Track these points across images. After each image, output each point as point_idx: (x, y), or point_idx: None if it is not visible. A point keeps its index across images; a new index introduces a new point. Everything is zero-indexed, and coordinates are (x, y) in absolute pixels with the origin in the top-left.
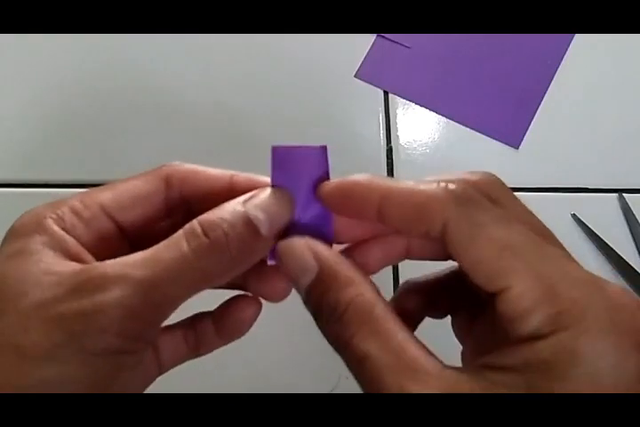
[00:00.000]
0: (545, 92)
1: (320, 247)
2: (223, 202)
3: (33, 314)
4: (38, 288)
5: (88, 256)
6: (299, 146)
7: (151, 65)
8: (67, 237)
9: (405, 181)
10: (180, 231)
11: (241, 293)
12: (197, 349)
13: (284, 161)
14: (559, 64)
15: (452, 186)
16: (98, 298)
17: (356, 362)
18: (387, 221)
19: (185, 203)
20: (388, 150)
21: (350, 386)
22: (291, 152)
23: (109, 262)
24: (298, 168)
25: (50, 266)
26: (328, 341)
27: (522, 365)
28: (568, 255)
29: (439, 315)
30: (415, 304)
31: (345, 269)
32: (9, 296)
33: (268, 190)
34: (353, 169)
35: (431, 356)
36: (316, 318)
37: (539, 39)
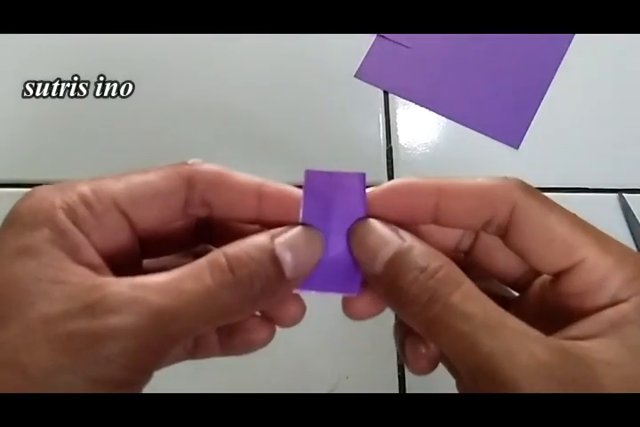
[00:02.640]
0: (545, 92)
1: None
2: (250, 213)
3: (39, 329)
4: (46, 299)
5: (97, 258)
6: (335, 172)
7: (151, 64)
8: (77, 234)
9: (457, 178)
10: (204, 262)
11: None
12: (194, 353)
13: (317, 187)
14: (559, 64)
15: (510, 177)
16: (111, 322)
17: (457, 322)
18: (444, 217)
19: (204, 205)
20: (387, 150)
21: (350, 386)
22: (326, 178)
23: (126, 281)
24: (333, 197)
25: (59, 273)
26: (409, 305)
27: (608, 328)
28: None
29: None
30: None
31: (426, 245)
32: (13, 303)
33: (300, 229)
34: (353, 169)
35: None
36: (395, 284)
37: (539, 39)
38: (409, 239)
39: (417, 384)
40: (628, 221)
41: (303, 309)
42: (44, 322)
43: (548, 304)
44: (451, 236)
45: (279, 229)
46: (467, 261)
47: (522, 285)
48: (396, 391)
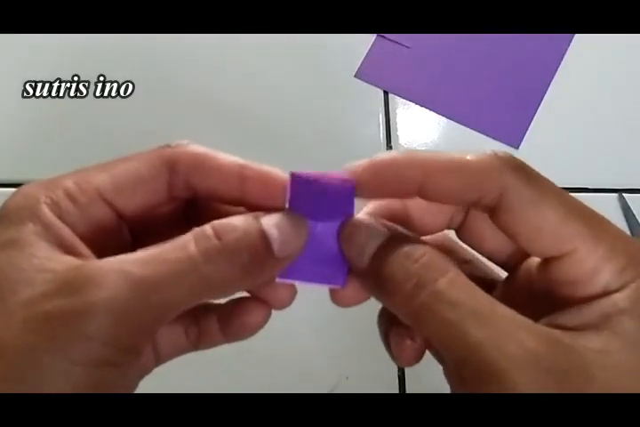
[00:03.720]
0: (545, 92)
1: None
2: (233, 195)
3: (17, 311)
4: (28, 286)
5: (84, 248)
6: (322, 175)
7: (151, 64)
8: (62, 226)
9: (445, 153)
10: (189, 233)
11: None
12: (198, 343)
13: (303, 191)
14: (559, 64)
15: (500, 152)
16: (88, 296)
17: (445, 310)
18: (429, 194)
19: (189, 188)
20: (387, 150)
21: (350, 386)
22: (313, 182)
23: (107, 258)
24: (320, 197)
25: (44, 262)
26: (394, 294)
27: (599, 318)
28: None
29: None
30: None
31: (414, 236)
32: None
33: (285, 211)
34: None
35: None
36: (380, 274)
37: (539, 39)
38: (395, 231)
39: (417, 384)
40: (628, 221)
41: (293, 291)
42: (23, 305)
43: (536, 287)
44: (441, 215)
45: (263, 213)
46: (449, 247)
47: (511, 265)
48: (396, 391)
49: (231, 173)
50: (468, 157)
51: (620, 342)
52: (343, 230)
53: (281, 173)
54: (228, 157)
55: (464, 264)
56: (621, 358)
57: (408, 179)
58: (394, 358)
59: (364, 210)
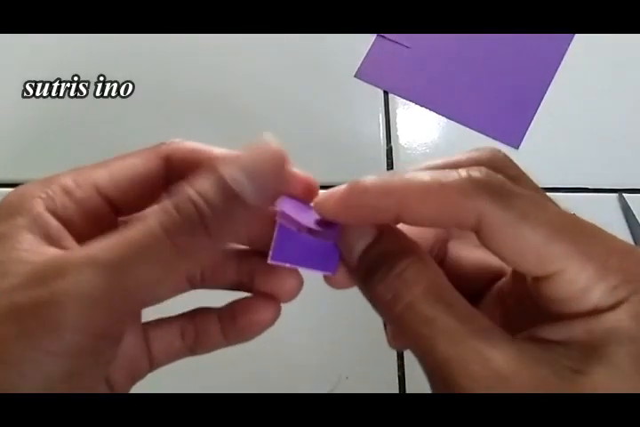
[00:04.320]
0: (545, 92)
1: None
2: None
3: None
4: (3, 278)
5: (70, 241)
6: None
7: (151, 64)
8: (52, 220)
9: (419, 174)
10: (151, 210)
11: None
12: (195, 347)
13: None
14: (559, 64)
15: (474, 173)
16: (55, 286)
17: (417, 324)
18: (408, 221)
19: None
20: (387, 150)
21: (350, 386)
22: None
23: (78, 248)
24: (306, 247)
25: (22, 254)
26: (376, 301)
27: (586, 336)
28: (596, 225)
29: None
30: None
31: (403, 236)
32: None
33: (254, 148)
34: (353, 169)
35: (497, 326)
36: (366, 278)
37: (539, 39)
38: (384, 232)
39: (417, 384)
40: (628, 221)
41: (300, 282)
42: None
43: (525, 297)
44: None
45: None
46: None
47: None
48: (396, 391)
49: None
50: (442, 182)
51: (602, 367)
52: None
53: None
54: (221, 150)
55: (475, 249)
56: (600, 381)
57: (382, 210)
58: (388, 341)
59: None
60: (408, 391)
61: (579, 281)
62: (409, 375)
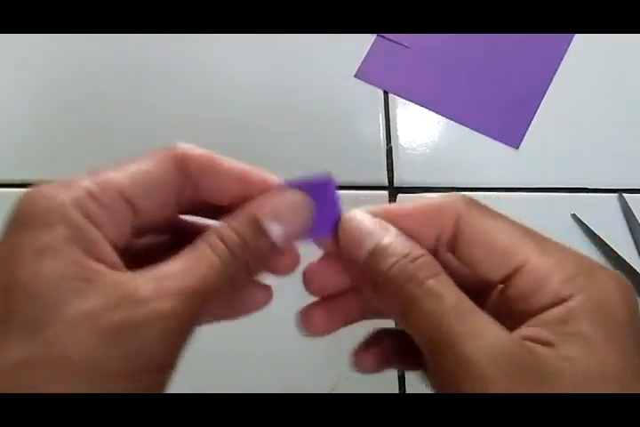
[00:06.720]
0: (545, 93)
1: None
2: (234, 197)
3: (83, 324)
4: (79, 296)
5: (112, 254)
6: (305, 182)
7: (151, 64)
8: (94, 230)
9: (401, 204)
10: (205, 246)
11: None
12: None
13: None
14: (559, 64)
15: (455, 194)
16: (149, 309)
17: (430, 301)
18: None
19: (196, 189)
20: (387, 150)
21: (350, 386)
22: (299, 188)
23: (148, 275)
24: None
25: (82, 271)
26: (386, 282)
27: (555, 326)
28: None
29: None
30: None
31: (408, 237)
32: (46, 303)
33: (284, 196)
34: (353, 169)
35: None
36: (374, 268)
37: (539, 39)
38: (392, 231)
39: (417, 384)
40: (627, 221)
41: (297, 257)
42: (86, 317)
43: (501, 313)
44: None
45: (264, 199)
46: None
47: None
48: (396, 391)
49: (235, 176)
50: (425, 200)
51: (580, 348)
52: (342, 222)
53: (277, 179)
54: (230, 162)
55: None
56: (585, 364)
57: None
58: (354, 364)
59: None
60: (408, 391)
61: (539, 271)
62: (409, 375)
